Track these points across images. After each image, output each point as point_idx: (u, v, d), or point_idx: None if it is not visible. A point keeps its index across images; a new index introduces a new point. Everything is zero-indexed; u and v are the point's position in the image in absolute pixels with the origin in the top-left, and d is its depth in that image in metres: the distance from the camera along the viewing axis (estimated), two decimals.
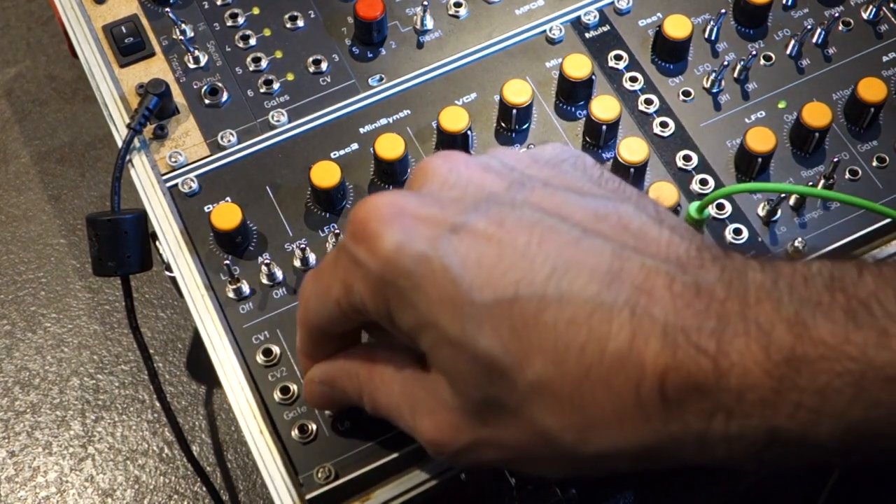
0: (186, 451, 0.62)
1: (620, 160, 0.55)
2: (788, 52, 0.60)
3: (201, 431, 0.71)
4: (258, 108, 0.59)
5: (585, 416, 0.36)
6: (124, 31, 0.61)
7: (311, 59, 0.60)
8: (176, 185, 0.56)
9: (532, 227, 0.37)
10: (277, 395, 0.50)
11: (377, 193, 0.39)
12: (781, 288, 0.35)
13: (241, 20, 0.62)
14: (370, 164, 0.57)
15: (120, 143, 0.57)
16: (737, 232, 0.54)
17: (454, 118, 0.55)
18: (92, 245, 0.57)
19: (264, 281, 0.53)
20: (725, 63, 0.58)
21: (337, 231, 0.54)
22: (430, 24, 0.61)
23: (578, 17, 0.61)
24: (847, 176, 0.56)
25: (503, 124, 0.58)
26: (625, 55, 0.60)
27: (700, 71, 0.60)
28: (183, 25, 0.61)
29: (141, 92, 0.59)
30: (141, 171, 0.57)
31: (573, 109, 0.58)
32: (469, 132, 0.56)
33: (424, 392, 0.40)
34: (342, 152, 0.57)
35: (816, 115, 0.56)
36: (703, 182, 0.56)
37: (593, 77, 0.58)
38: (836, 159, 0.55)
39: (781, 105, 0.59)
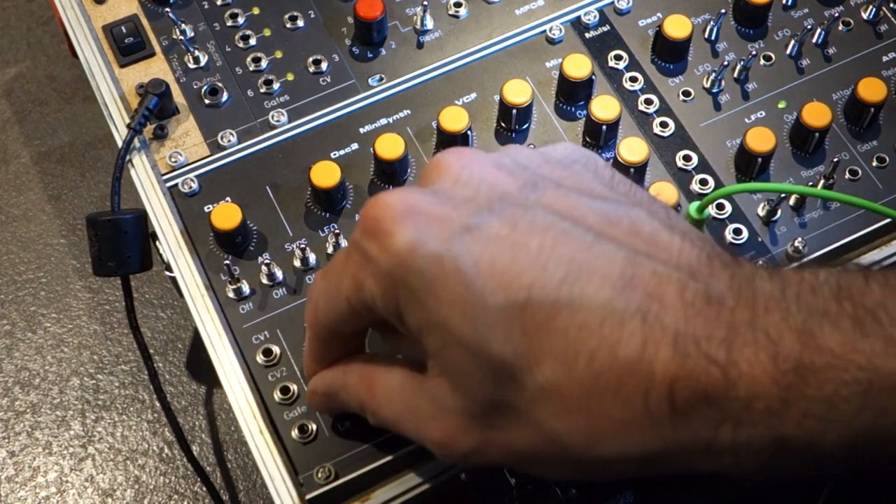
0: (186, 451, 0.62)
1: (620, 160, 0.55)
2: (788, 52, 0.60)
3: (201, 431, 0.71)
4: (258, 108, 0.59)
5: (593, 422, 0.36)
6: (124, 31, 0.61)
7: (311, 59, 0.60)
8: (176, 185, 0.56)
9: (545, 230, 0.37)
10: (277, 395, 0.50)
11: (390, 190, 0.39)
12: (789, 297, 0.35)
13: (241, 20, 0.62)
14: (370, 164, 0.57)
15: (120, 143, 0.57)
16: (737, 232, 0.54)
17: (454, 118, 0.55)
18: (92, 245, 0.57)
19: (264, 281, 0.53)
20: (725, 63, 0.58)
21: (337, 231, 0.54)
22: (430, 24, 0.61)
23: (578, 17, 0.61)
24: (847, 176, 0.56)
25: (503, 124, 0.58)
26: (625, 55, 0.60)
27: (700, 71, 0.60)
28: (183, 25, 0.61)
29: (141, 92, 0.59)
30: (141, 171, 0.57)
31: (573, 109, 0.58)
32: (469, 132, 0.56)
33: (426, 400, 0.40)
34: (342, 152, 0.57)
35: (816, 115, 0.56)
36: (703, 182, 0.56)
37: (593, 77, 0.58)
38: (836, 159, 0.55)
39: (781, 105, 0.59)
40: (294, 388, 0.50)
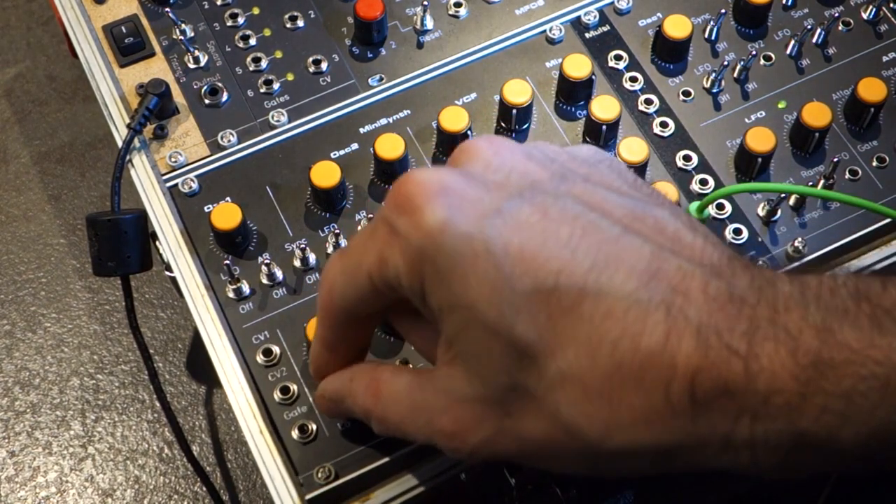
0: (186, 451, 0.62)
1: (620, 160, 0.55)
2: (788, 52, 0.60)
3: (201, 431, 0.71)
4: (258, 108, 0.59)
5: (613, 411, 0.36)
6: (124, 31, 0.61)
7: (311, 59, 0.60)
8: (176, 185, 0.56)
9: (574, 220, 0.37)
10: (277, 395, 0.50)
11: (423, 168, 0.39)
12: (809, 298, 0.35)
13: (241, 20, 0.62)
14: (370, 164, 0.57)
15: (120, 143, 0.57)
16: (737, 232, 0.54)
17: (454, 118, 0.55)
18: (92, 245, 0.57)
19: (264, 281, 0.53)
20: (725, 63, 0.58)
21: (337, 231, 0.54)
22: (430, 24, 0.61)
23: (578, 17, 0.61)
24: (847, 176, 0.56)
25: (503, 124, 0.58)
26: (625, 55, 0.60)
27: (700, 71, 0.60)
28: (183, 25, 0.61)
29: (141, 92, 0.59)
30: (141, 171, 0.57)
31: (573, 109, 0.58)
32: (469, 132, 0.56)
33: (436, 393, 0.40)
34: (342, 152, 0.57)
35: (816, 115, 0.56)
36: (703, 182, 0.56)
37: (593, 77, 0.58)
38: (836, 159, 0.55)
39: (781, 105, 0.59)
40: (294, 388, 0.50)
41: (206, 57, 0.60)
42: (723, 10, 0.60)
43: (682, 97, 0.59)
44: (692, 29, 0.59)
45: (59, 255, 0.78)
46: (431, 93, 0.59)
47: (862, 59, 0.60)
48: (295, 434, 0.49)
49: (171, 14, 0.60)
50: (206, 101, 0.59)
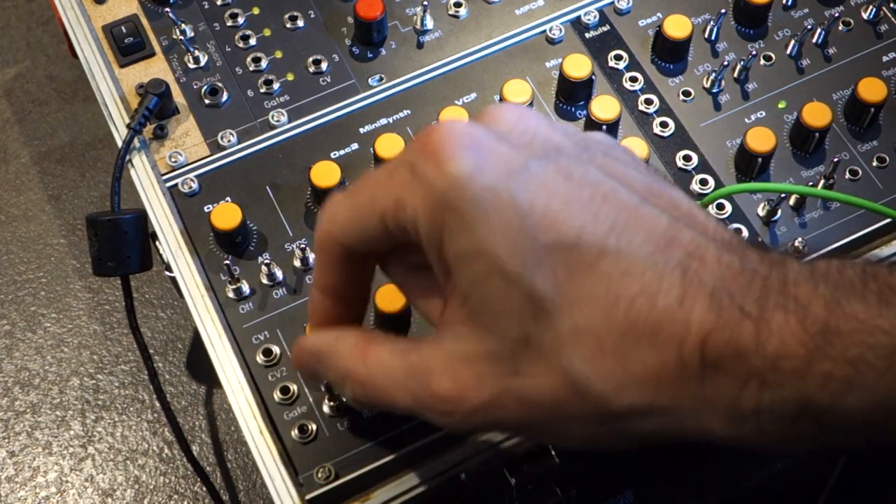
0: (186, 451, 0.62)
1: None
2: (788, 52, 0.60)
3: (201, 431, 0.71)
4: (258, 108, 0.59)
5: (625, 368, 0.36)
6: (124, 31, 0.61)
7: (311, 59, 0.60)
8: (176, 185, 0.56)
9: (597, 185, 0.38)
10: (277, 395, 0.50)
11: (451, 119, 0.40)
12: (818, 276, 0.36)
13: (241, 20, 0.62)
14: (370, 164, 0.57)
15: (120, 143, 0.57)
16: (737, 232, 0.54)
17: (454, 118, 0.55)
18: (92, 245, 0.57)
19: (264, 281, 0.53)
20: (725, 63, 0.58)
21: None
22: (430, 24, 0.61)
23: (578, 17, 0.61)
24: (847, 176, 0.56)
25: None
26: (625, 55, 0.60)
27: (700, 71, 0.60)
28: (183, 25, 0.61)
29: (141, 92, 0.59)
30: (141, 171, 0.57)
31: (573, 109, 0.58)
32: None
33: (436, 354, 0.40)
34: (342, 152, 0.57)
35: (816, 115, 0.56)
36: (703, 182, 0.56)
37: (593, 77, 0.58)
38: (836, 159, 0.55)
39: (781, 105, 0.59)
40: (294, 388, 0.50)
41: (206, 57, 0.60)
42: (723, 10, 0.60)
43: (682, 97, 0.59)
44: (692, 29, 0.59)
45: (59, 255, 0.78)
46: (431, 93, 0.59)
47: (862, 59, 0.60)
48: (295, 434, 0.49)
49: (171, 14, 0.60)
50: (206, 101, 0.59)
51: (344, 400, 0.50)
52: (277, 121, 0.58)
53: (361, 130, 0.58)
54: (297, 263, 0.54)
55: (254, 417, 0.49)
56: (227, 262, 0.53)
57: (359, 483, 0.48)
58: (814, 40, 0.60)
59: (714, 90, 0.59)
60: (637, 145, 0.55)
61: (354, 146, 0.58)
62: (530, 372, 0.38)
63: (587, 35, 0.61)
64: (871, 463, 0.67)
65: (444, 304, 0.41)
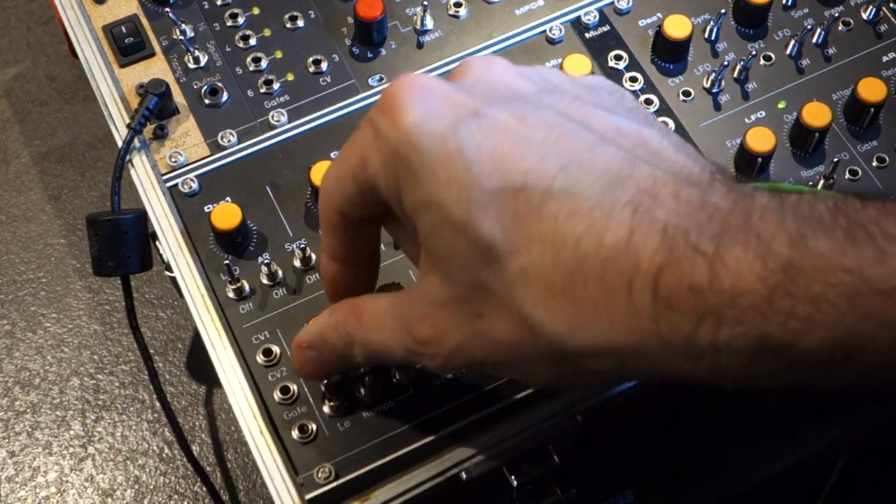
0: (186, 451, 0.62)
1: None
2: (788, 52, 0.60)
3: (201, 431, 0.71)
4: (258, 108, 0.59)
5: (576, 308, 0.36)
6: (124, 31, 0.61)
7: (311, 59, 0.60)
8: (176, 185, 0.56)
9: (552, 127, 0.38)
10: (277, 395, 0.50)
11: (413, 73, 0.40)
12: (786, 209, 0.35)
13: (241, 20, 0.62)
14: None
15: (120, 143, 0.57)
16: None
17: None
18: (92, 245, 0.57)
19: (264, 281, 0.53)
20: (725, 63, 0.58)
21: None
22: (430, 24, 0.61)
23: (578, 17, 0.61)
24: (847, 176, 0.56)
25: None
26: (625, 55, 0.60)
27: (700, 71, 0.60)
28: (183, 25, 0.61)
29: (141, 92, 0.59)
30: (141, 171, 0.57)
31: None
32: None
33: (414, 302, 0.41)
34: None
35: (816, 115, 0.56)
36: None
37: None
38: (836, 159, 0.55)
39: (781, 105, 0.59)
40: (294, 388, 0.50)
41: (206, 57, 0.60)
42: (723, 10, 0.60)
43: (682, 97, 0.59)
44: (692, 29, 0.59)
45: (59, 255, 0.78)
46: None
47: (862, 59, 0.60)
48: (295, 434, 0.49)
49: (171, 14, 0.60)
50: (206, 101, 0.59)
51: (344, 400, 0.50)
52: (277, 121, 0.58)
53: None
54: (297, 263, 0.54)
55: (254, 417, 0.49)
56: (227, 262, 0.53)
57: (359, 483, 0.48)
58: (814, 40, 0.60)
59: (714, 90, 0.59)
60: None
61: None
62: (490, 314, 0.38)
63: (587, 35, 0.61)
64: (872, 463, 0.67)
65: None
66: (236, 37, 0.61)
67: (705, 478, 0.63)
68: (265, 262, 0.53)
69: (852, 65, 0.60)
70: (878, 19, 0.61)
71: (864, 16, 0.61)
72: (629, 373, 0.38)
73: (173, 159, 0.57)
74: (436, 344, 0.40)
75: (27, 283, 0.76)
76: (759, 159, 0.55)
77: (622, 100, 0.42)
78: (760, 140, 0.55)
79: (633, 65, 0.60)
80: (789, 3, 0.62)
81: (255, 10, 0.62)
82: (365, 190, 0.41)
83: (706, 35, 0.61)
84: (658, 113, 0.58)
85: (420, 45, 0.61)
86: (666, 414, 0.61)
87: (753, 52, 0.59)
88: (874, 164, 0.57)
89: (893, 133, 0.58)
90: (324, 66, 0.60)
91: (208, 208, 0.56)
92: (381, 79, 0.60)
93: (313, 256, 0.54)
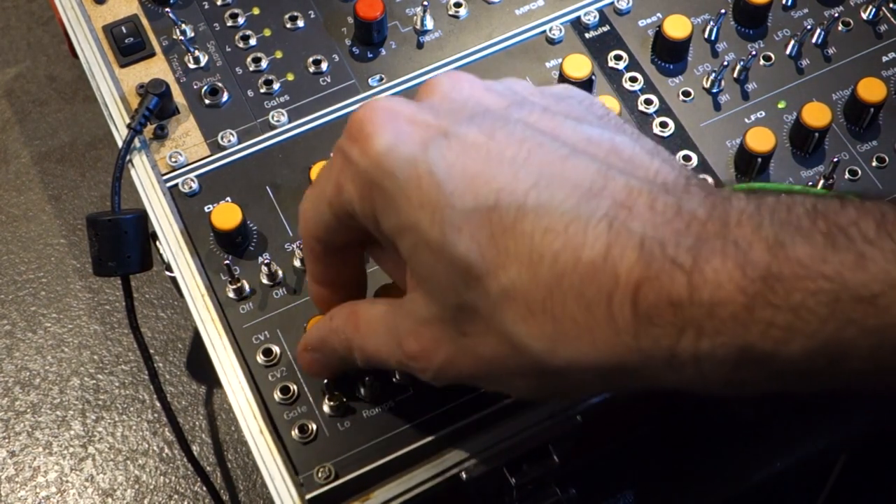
0: (186, 451, 0.62)
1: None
2: (788, 52, 0.60)
3: (201, 431, 0.71)
4: (258, 108, 0.59)
5: (556, 325, 0.36)
6: (124, 31, 0.61)
7: (311, 59, 0.60)
8: (176, 185, 0.56)
9: (522, 142, 0.38)
10: (277, 395, 0.50)
11: (378, 97, 0.40)
12: (763, 213, 0.35)
13: (241, 20, 0.62)
14: None
15: (120, 143, 0.57)
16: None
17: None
18: (92, 245, 0.57)
19: (264, 281, 0.53)
20: (725, 63, 0.58)
21: None
22: (430, 24, 0.61)
23: (578, 17, 0.61)
24: (847, 176, 0.56)
25: None
26: (625, 55, 0.60)
27: (700, 71, 0.60)
28: (183, 25, 0.61)
29: (141, 92, 0.59)
30: (141, 171, 0.57)
31: None
32: None
33: (403, 317, 0.41)
34: None
35: (816, 115, 0.56)
36: None
37: (593, 77, 0.58)
38: (835, 159, 0.55)
39: (781, 105, 0.59)
40: (294, 387, 0.50)
41: (207, 57, 0.60)
42: (723, 10, 0.60)
43: (682, 97, 0.59)
44: (692, 29, 0.59)
45: (60, 255, 0.78)
46: None
47: (862, 59, 0.60)
48: (295, 434, 0.49)
49: (171, 14, 0.60)
50: (206, 101, 0.59)
51: (344, 400, 0.50)
52: (277, 121, 0.58)
53: None
54: (297, 263, 0.54)
55: (254, 417, 0.49)
56: (227, 262, 0.53)
57: (359, 483, 0.48)
58: (813, 40, 0.60)
59: (714, 90, 0.59)
60: None
61: None
62: (474, 333, 0.39)
63: (587, 35, 0.61)
64: (872, 463, 0.67)
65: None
66: (236, 37, 0.61)
67: (705, 478, 0.63)
68: (265, 262, 0.53)
69: (852, 65, 0.60)
70: (878, 19, 0.61)
71: (864, 16, 0.61)
72: (612, 385, 0.38)
73: (173, 159, 0.57)
74: (425, 359, 0.41)
75: (27, 283, 0.76)
76: (759, 159, 0.55)
77: (591, 107, 0.42)
78: (760, 140, 0.55)
79: (633, 65, 0.60)
80: (789, 3, 0.62)
81: (255, 10, 0.62)
82: (342, 217, 0.41)
83: (706, 35, 0.61)
84: (658, 113, 0.58)
85: (420, 46, 0.61)
86: (666, 414, 0.61)
87: (753, 53, 0.59)
88: (874, 164, 0.57)
89: (893, 133, 0.58)
90: (324, 66, 0.60)
91: (208, 208, 0.56)
92: (381, 79, 0.60)
93: None
